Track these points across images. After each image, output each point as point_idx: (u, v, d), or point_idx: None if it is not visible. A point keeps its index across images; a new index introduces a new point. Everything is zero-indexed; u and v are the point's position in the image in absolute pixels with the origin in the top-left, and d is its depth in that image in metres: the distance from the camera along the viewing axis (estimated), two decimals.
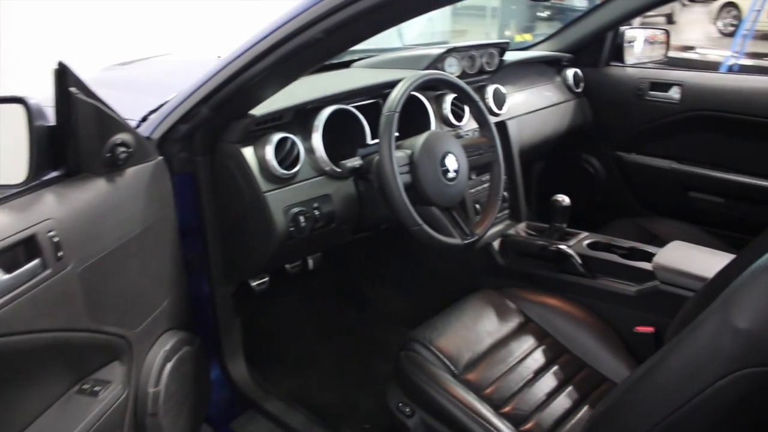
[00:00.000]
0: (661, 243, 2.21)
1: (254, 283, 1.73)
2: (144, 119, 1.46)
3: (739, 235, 2.39)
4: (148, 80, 2.09)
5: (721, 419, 0.93)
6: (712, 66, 7.03)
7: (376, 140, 1.63)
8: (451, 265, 2.03)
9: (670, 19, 11.17)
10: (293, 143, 1.50)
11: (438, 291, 2.02)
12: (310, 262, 1.89)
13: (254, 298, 1.75)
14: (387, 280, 2.30)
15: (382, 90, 1.72)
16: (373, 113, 1.64)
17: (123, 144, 1.18)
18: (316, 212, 1.54)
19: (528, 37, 7.42)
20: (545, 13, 8.00)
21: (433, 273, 2.14)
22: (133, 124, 1.39)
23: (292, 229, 1.49)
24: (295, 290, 2.26)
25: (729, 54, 7.24)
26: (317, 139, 1.57)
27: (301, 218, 1.50)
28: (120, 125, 1.19)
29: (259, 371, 1.84)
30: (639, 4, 2.28)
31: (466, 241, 1.59)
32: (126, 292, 1.25)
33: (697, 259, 1.70)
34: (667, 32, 2.71)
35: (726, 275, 1.37)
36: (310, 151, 1.57)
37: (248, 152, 1.47)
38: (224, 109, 1.38)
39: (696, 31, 10.01)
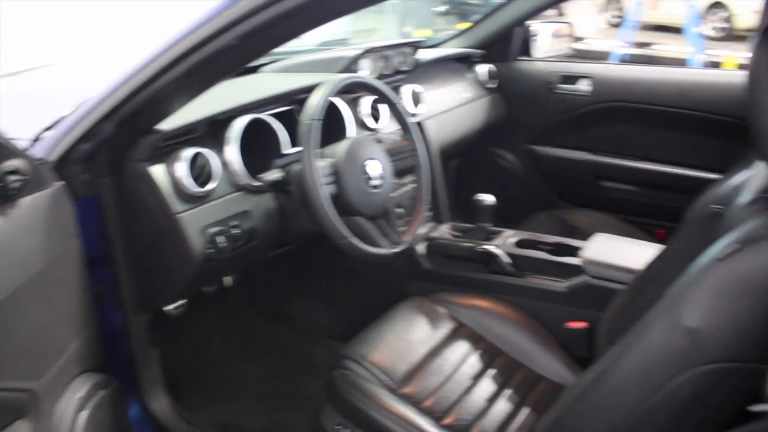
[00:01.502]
0: (582, 235, 2.23)
1: (169, 308, 1.61)
2: (37, 139, 1.32)
3: (652, 221, 2.46)
4: (36, 94, 1.91)
5: (676, 418, 0.93)
6: (604, 56, 7.30)
7: (294, 149, 1.54)
8: (377, 274, 1.97)
9: (559, 11, 11.54)
10: (207, 159, 1.39)
11: (365, 301, 1.96)
12: (226, 280, 1.79)
13: (170, 324, 1.63)
14: (310, 293, 2.22)
15: (297, 96, 1.63)
16: (288, 121, 1.56)
17: (14, 172, 1.04)
18: (236, 230, 1.44)
19: (428, 33, 7.46)
20: (442, 8, 8.08)
21: (359, 283, 2.08)
22: (23, 145, 1.25)
23: (210, 250, 1.39)
24: (212, 311, 2.14)
25: (618, 44, 7.52)
26: (232, 152, 1.46)
27: (220, 238, 1.40)
28: (9, 150, 1.04)
29: (183, 403, 1.72)
30: (544, 0, 2.29)
31: (395, 250, 1.54)
32: (27, 338, 1.11)
33: (623, 251, 1.71)
34: (571, 25, 2.75)
35: (656, 267, 1.38)
36: (225, 165, 1.46)
37: (158, 171, 1.35)
38: (130, 124, 1.26)
39: (585, 23, 10.38)
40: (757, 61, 0.94)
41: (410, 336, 1.56)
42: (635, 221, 2.44)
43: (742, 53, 7.46)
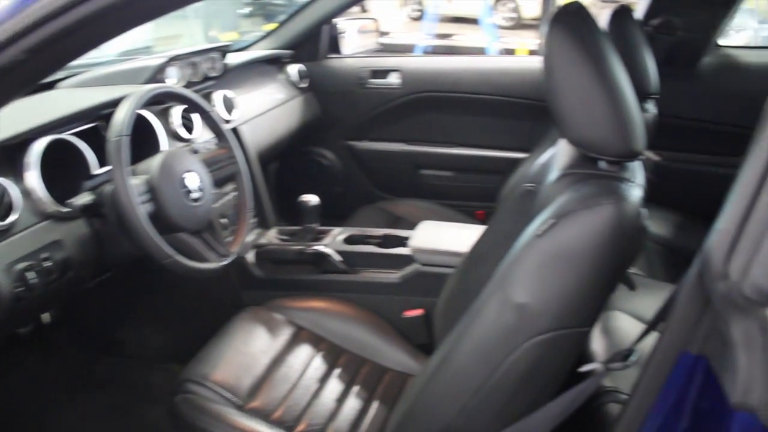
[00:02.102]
0: (407, 224, 2.30)
1: None
2: None
3: (472, 204, 2.59)
4: None
5: (518, 389, 0.99)
6: (409, 49, 7.56)
7: (104, 169, 1.44)
8: (208, 289, 1.89)
9: (363, 8, 11.81)
10: (4, 188, 1.25)
11: (200, 318, 1.88)
12: (44, 317, 1.63)
13: None
14: (141, 318, 2.08)
15: (101, 112, 1.51)
16: (94, 139, 1.45)
17: None
18: (48, 263, 1.30)
19: (234, 36, 7.31)
20: (246, 10, 7.95)
21: (191, 301, 1.98)
22: None
23: (20, 289, 1.24)
24: (32, 352, 1.94)
25: (421, 37, 7.84)
26: (33, 179, 1.32)
27: (30, 274, 1.25)
28: None
29: None
30: None
31: (224, 263, 1.49)
32: None
33: (448, 236, 1.78)
34: (377, 21, 2.82)
35: (481, 248, 1.45)
36: (26, 193, 1.30)
37: None
38: None
39: (387, 18, 10.69)
40: (548, 48, 1.01)
41: (250, 348, 1.52)
42: (456, 205, 2.55)
43: (532, 40, 8.08)
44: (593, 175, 1.04)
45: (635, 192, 1.00)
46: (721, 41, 2.43)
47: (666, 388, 0.82)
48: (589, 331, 0.99)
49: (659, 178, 2.30)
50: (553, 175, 1.14)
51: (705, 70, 2.39)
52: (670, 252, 2.18)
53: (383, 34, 9.21)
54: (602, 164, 1.06)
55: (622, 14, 1.71)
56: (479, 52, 7.43)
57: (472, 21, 9.15)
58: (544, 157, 1.36)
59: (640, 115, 1.03)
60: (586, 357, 1.49)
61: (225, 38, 7.03)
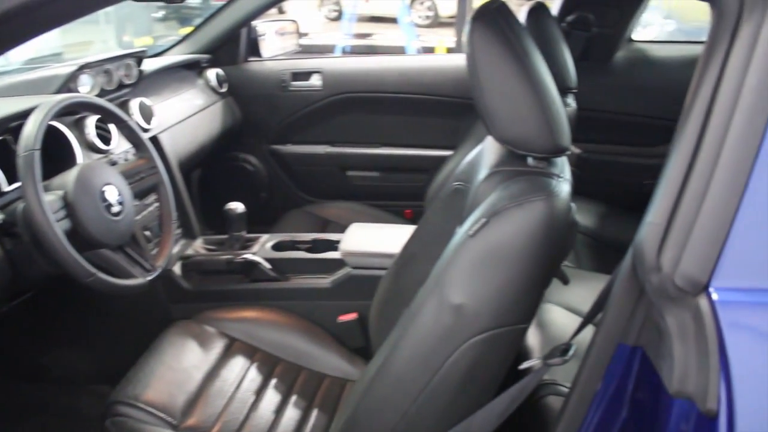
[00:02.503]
0: (336, 226, 2.28)
1: None
2: None
3: (399, 203, 2.59)
4: None
5: (459, 390, 0.98)
6: (329, 50, 7.54)
7: (14, 186, 1.36)
8: (135, 305, 1.81)
9: (280, 9, 11.69)
10: None
11: (127, 336, 1.80)
12: None
13: None
14: (64, 339, 1.97)
15: (9, 124, 1.43)
16: (2, 154, 1.37)
17: None
18: None
19: (149, 41, 7.11)
20: (160, 14, 7.75)
21: (117, 318, 1.90)
22: None
23: None
24: None
25: (340, 37, 7.82)
26: None
27: None
28: None
29: None
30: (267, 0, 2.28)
31: (150, 277, 1.43)
32: None
33: (378, 238, 1.77)
34: (296, 22, 2.78)
35: (411, 248, 1.44)
36: None
37: None
38: None
39: (305, 18, 10.63)
40: (471, 46, 1.01)
41: (182, 364, 1.47)
42: (384, 205, 2.55)
43: (450, 38, 8.19)
44: (522, 172, 1.05)
45: (564, 187, 1.01)
46: (633, 36, 2.52)
47: (605, 379, 0.83)
48: (527, 328, 1.00)
49: (581, 170, 2.37)
50: (482, 173, 1.14)
51: (619, 65, 2.47)
52: (596, 242, 2.24)
53: (302, 35, 9.17)
54: (530, 161, 1.07)
55: (538, 11, 1.74)
56: (399, 51, 7.48)
57: (390, 20, 9.20)
58: (471, 155, 1.36)
59: (564, 110, 1.05)
60: (522, 352, 1.51)
61: (139, 43, 6.85)
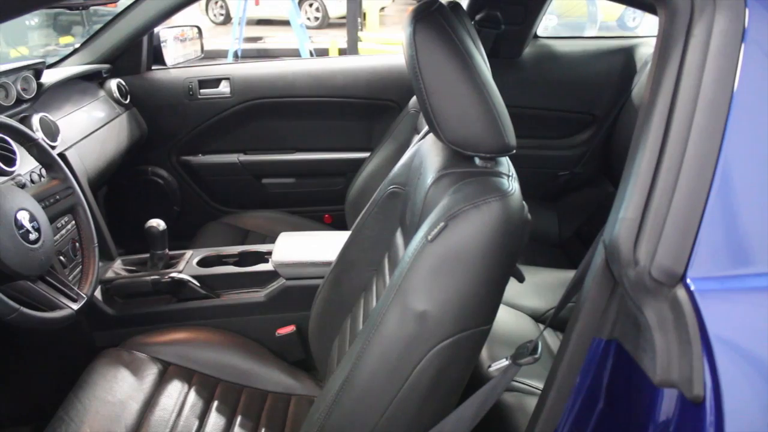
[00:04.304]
0: (257, 236, 2.22)
1: None
2: None
3: (319, 208, 2.56)
4: None
5: (427, 397, 0.97)
6: (222, 54, 7.36)
7: None
8: (56, 336, 1.68)
9: None
10: None
11: (50, 370, 1.67)
12: None
13: None
14: None
15: None
16: None
17: None
18: None
19: (25, 51, 6.68)
20: (34, 22, 7.30)
21: (37, 352, 1.75)
22: None
23: None
24: None
25: (230, 41, 7.63)
26: None
27: None
28: None
29: None
30: (169, 5, 2.17)
31: (78, 306, 1.33)
32: None
33: (311, 246, 1.73)
34: (199, 28, 2.68)
35: (348, 256, 1.42)
36: None
37: None
38: None
39: (192, 22, 10.36)
40: (413, 48, 1.00)
41: (116, 395, 1.38)
42: (303, 211, 2.51)
43: (341, 38, 8.20)
44: (473, 173, 1.05)
45: (515, 185, 1.02)
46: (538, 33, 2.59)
47: (581, 373, 0.84)
48: (490, 328, 1.00)
49: None
50: (429, 177, 1.13)
51: (527, 60, 2.53)
52: None
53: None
54: (477, 161, 1.07)
55: (454, 10, 1.75)
56: (293, 53, 7.41)
57: (279, 23, 9.12)
58: (405, 158, 1.35)
59: (506, 109, 1.05)
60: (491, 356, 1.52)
61: (15, 54, 6.42)
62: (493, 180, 1.01)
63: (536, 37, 2.58)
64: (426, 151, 1.24)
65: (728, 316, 0.69)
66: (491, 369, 0.98)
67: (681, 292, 0.68)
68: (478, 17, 2.33)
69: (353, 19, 7.73)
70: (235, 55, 7.44)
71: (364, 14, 8.76)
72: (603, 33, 8.75)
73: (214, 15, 11.22)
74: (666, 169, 0.70)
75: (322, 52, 7.45)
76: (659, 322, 0.71)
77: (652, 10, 0.78)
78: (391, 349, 0.96)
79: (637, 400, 0.76)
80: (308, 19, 10.30)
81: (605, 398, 0.84)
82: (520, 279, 1.15)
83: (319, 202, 2.59)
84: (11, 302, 1.15)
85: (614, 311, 0.80)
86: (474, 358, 1.01)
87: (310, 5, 10.53)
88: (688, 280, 0.69)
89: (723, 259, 0.70)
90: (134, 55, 2.37)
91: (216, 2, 11.19)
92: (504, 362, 0.97)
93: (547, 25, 6.02)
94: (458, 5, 1.78)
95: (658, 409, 0.72)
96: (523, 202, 1.02)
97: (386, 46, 8.26)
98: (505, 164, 1.10)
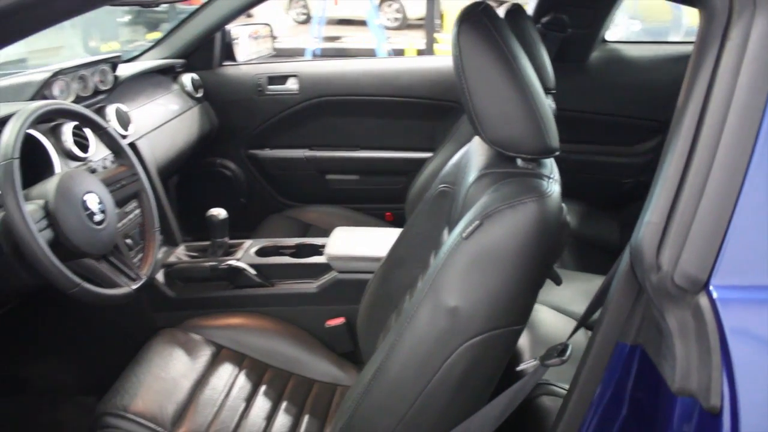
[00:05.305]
0: (317, 230, 2.27)
1: None
2: None
3: (380, 206, 2.59)
4: None
5: (455, 393, 0.98)
6: (300, 53, 7.51)
7: None
8: (119, 314, 1.78)
9: (248, 13, 11.61)
10: None
11: (113, 346, 1.76)
12: None
13: None
14: (48, 350, 1.91)
15: None
16: None
17: None
18: None
19: (116, 46, 7.01)
20: (126, 18, 7.65)
21: (101, 327, 1.86)
22: None
23: None
24: None
25: (310, 40, 7.79)
26: None
27: None
28: None
29: None
30: (241, 3, 2.26)
31: (136, 286, 1.41)
32: None
33: (363, 242, 1.76)
34: (270, 26, 2.76)
35: (399, 251, 1.44)
36: None
37: None
38: None
39: (274, 21, 10.61)
40: (459, 49, 1.01)
41: (170, 373, 1.45)
42: (364, 208, 2.55)
43: (419, 40, 8.22)
44: (513, 174, 1.05)
45: (555, 188, 1.01)
46: (606, 36, 2.55)
47: (604, 378, 0.84)
48: (522, 329, 1.00)
49: (559, 170, 2.38)
50: (472, 176, 1.14)
51: (594, 65, 2.49)
52: (577, 241, 2.26)
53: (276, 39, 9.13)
54: (519, 162, 1.07)
55: (516, 13, 1.75)
56: (369, 53, 7.48)
57: (359, 23, 9.20)
58: (455, 158, 1.36)
59: (550, 111, 1.05)
60: (520, 355, 1.51)
61: (106, 48, 6.74)
62: (532, 181, 1.01)
63: (604, 41, 2.54)
64: (473, 151, 1.24)
65: (750, 327, 0.67)
66: (518, 368, 0.99)
67: (703, 300, 0.67)
68: (543, 20, 2.31)
69: (432, 21, 7.74)
70: (314, 54, 7.58)
71: (442, 15, 8.74)
72: (688, 39, 8.45)
73: (296, 14, 11.44)
74: (694, 173, 0.69)
75: (399, 53, 7.48)
76: (680, 329, 0.70)
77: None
78: (422, 343, 0.97)
79: (658, 407, 0.75)
80: (387, 19, 10.36)
81: (629, 406, 0.83)
82: (557, 281, 1.15)
83: (381, 199, 2.63)
84: (75, 277, 1.22)
85: (639, 316, 0.80)
86: (505, 357, 1.01)
87: (389, 6, 10.59)
88: (711, 288, 0.68)
89: (748, 268, 0.68)
90: (207, 51, 2.47)
91: (298, 1, 11.40)
92: (532, 362, 0.98)
93: (628, 30, 5.87)
94: (520, 7, 1.78)
95: (677, 418, 0.71)
96: (562, 205, 1.02)
97: None
98: (548, 166, 1.10)
